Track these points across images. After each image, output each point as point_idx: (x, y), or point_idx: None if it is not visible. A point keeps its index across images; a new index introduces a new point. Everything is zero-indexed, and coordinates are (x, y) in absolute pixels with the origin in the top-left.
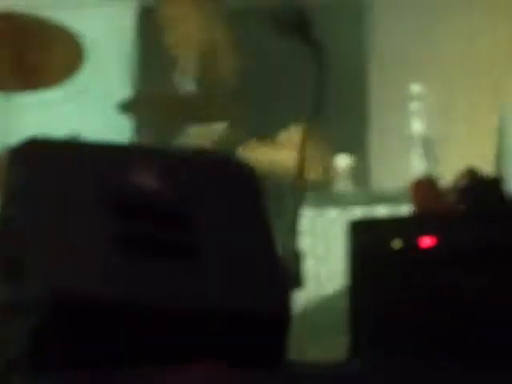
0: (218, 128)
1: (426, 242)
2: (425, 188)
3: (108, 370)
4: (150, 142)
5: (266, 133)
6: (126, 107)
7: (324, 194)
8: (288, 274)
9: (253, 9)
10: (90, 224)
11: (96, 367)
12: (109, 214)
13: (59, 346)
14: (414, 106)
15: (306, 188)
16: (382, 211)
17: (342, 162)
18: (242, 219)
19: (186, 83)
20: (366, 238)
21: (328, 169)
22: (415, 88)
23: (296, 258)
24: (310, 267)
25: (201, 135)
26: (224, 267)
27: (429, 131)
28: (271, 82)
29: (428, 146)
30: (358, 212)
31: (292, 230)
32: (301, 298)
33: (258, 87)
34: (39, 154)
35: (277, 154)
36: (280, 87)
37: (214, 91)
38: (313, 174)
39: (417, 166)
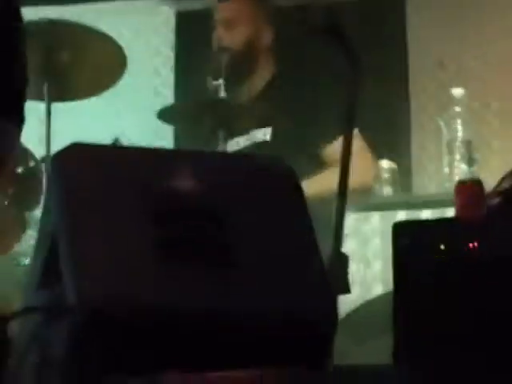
0: (257, 135)
1: (471, 244)
2: (469, 190)
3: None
4: (190, 148)
5: (304, 141)
6: (165, 115)
7: (367, 198)
8: (335, 278)
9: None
10: (129, 229)
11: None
12: (147, 219)
13: (95, 353)
14: (455, 109)
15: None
16: (424, 215)
17: (385, 167)
18: (284, 222)
19: (223, 90)
20: (410, 240)
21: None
22: (456, 92)
23: (342, 262)
24: (355, 271)
25: (240, 142)
26: (267, 271)
27: (469, 134)
28: (306, 86)
29: (469, 149)
30: (401, 216)
31: (337, 235)
32: (346, 302)
33: (293, 92)
34: (79, 160)
35: (322, 176)
36: (315, 91)
37: (252, 98)
38: (364, 180)
39: (458, 170)
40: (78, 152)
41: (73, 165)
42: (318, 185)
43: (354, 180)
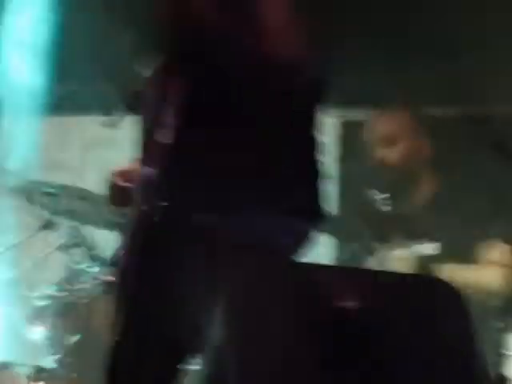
0: (420, 249)
1: None
2: None
3: None
4: (349, 258)
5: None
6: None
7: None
8: None
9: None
10: (287, 338)
11: None
12: (308, 330)
13: None
14: None
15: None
16: None
17: None
18: (447, 343)
19: (384, 200)
20: None
21: None
22: None
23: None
24: None
25: (401, 256)
26: None
27: None
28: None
29: None
30: None
31: (499, 353)
32: None
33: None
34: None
35: (479, 274)
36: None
37: (415, 212)
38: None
39: None
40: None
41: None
42: (473, 276)
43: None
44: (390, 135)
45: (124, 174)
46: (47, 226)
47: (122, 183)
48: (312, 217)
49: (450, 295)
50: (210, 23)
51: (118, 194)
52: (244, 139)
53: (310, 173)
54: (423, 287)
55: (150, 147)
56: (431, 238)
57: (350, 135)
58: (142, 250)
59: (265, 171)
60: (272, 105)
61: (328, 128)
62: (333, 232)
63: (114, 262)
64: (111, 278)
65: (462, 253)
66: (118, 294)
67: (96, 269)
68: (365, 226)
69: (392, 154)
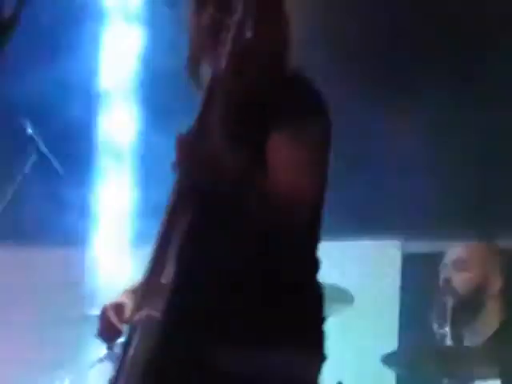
0: None
1: None
2: None
3: None
4: None
5: None
6: (390, 360)
7: None
8: None
9: None
10: None
11: None
12: None
13: None
14: None
15: None
16: None
17: None
18: None
19: (449, 338)
20: None
21: None
22: None
23: None
24: None
25: None
26: None
27: None
28: None
29: None
30: None
31: None
32: None
33: None
34: None
35: None
36: None
37: (479, 345)
38: None
39: None
40: None
41: None
42: None
43: None
44: (462, 260)
45: (117, 308)
46: (106, 358)
47: (113, 318)
48: (313, 361)
49: None
50: (223, 169)
51: (107, 328)
52: (247, 280)
53: (311, 314)
54: None
55: (150, 288)
56: (496, 374)
57: (414, 266)
58: None
59: (267, 311)
60: (279, 247)
61: (392, 259)
62: (397, 365)
63: None
64: None
65: None
66: None
67: None
68: (429, 359)
69: (461, 279)
